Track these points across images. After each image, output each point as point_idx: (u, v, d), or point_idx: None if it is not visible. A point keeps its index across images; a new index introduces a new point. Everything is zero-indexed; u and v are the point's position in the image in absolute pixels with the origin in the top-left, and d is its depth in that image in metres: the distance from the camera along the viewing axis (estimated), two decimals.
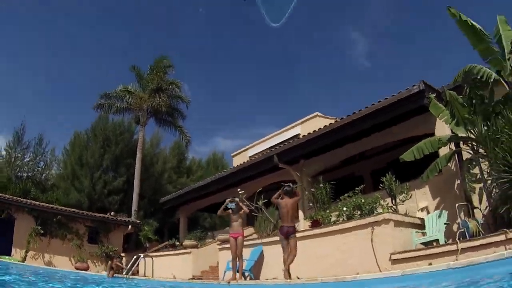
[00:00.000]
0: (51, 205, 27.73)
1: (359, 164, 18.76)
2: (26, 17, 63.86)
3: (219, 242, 17.70)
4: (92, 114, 42.53)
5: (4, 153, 39.56)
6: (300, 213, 17.61)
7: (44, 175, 40.87)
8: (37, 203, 26.96)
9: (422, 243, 11.50)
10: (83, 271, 23.24)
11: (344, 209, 12.92)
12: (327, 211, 14.28)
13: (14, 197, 26.56)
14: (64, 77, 72.83)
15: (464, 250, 9.37)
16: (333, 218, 13.54)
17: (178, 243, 23.99)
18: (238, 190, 17.69)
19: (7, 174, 36.56)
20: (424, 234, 11.74)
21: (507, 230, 8.59)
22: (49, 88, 73.51)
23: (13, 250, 24.30)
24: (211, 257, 19.32)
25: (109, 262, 19.91)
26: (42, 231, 24.96)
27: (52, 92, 73.61)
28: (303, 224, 16.74)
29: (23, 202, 25.74)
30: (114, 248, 27.01)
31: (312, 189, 15.65)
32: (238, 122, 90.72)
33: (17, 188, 32.36)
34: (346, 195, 13.86)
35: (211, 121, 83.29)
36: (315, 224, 14.00)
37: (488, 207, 11.38)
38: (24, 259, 23.89)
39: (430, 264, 9.98)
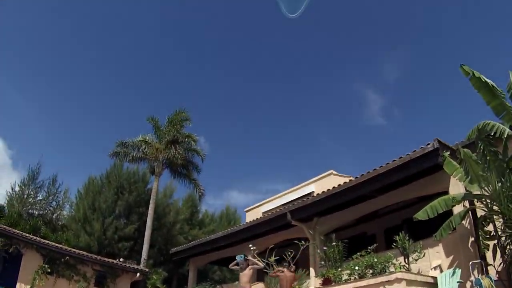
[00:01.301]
0: (60, 246, 27.62)
1: (372, 222, 18.66)
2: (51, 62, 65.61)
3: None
4: (107, 160, 43.25)
5: (17, 189, 39.75)
6: (311, 271, 17.59)
7: (55, 215, 40.88)
8: (47, 241, 26.89)
9: None
10: None
11: (356, 268, 12.86)
12: (339, 269, 14.23)
13: (24, 233, 26.54)
14: (82, 122, 74.14)
15: None
16: (345, 277, 13.50)
17: None
18: (250, 246, 17.66)
19: (18, 210, 36.55)
20: None
21: None
22: (67, 132, 74.61)
23: (17, 285, 24.13)
24: None
25: None
26: (49, 270, 24.83)
27: (69, 136, 74.73)
28: (313, 281, 16.67)
29: (33, 239, 25.62)
30: None
31: (324, 247, 15.61)
32: (252, 177, 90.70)
33: (27, 225, 32.16)
34: (358, 254, 13.78)
35: (225, 175, 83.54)
36: (326, 282, 13.96)
37: (502, 264, 11.26)
38: None
39: None
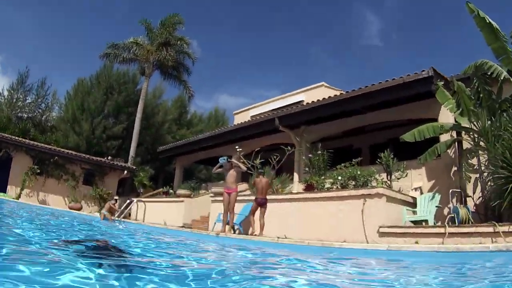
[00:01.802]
0: (49, 146, 28.12)
1: (359, 137, 18.89)
2: None
3: (212, 194, 18.07)
4: (97, 62, 42.74)
5: (6, 93, 40.05)
6: (295, 176, 18.02)
7: (44, 116, 41.38)
8: (35, 143, 27.36)
9: (411, 221, 11.76)
10: (76, 211, 23.87)
11: (339, 178, 13.18)
12: (322, 177, 14.63)
13: (13, 137, 26.95)
14: (73, 26, 72.30)
15: (451, 234, 9.62)
16: (327, 185, 13.93)
17: (172, 191, 24.44)
18: (236, 147, 18.00)
19: (7, 114, 36.99)
20: (414, 213, 11.98)
21: (496, 223, 8.83)
22: (57, 36, 72.82)
23: (8, 187, 24.88)
24: (203, 207, 19.75)
25: (106, 204, 20.24)
26: (39, 171, 25.50)
27: (59, 39, 72.96)
28: (297, 186, 17.09)
29: (22, 141, 26.14)
30: (108, 191, 27.50)
31: (310, 155, 15.95)
32: (243, 82, 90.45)
33: (17, 128, 32.86)
34: (342, 164, 14.09)
35: (216, 77, 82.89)
36: (309, 188, 14.33)
37: (481, 198, 11.62)
38: (18, 197, 24.42)
39: (416, 242, 10.23)
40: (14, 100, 39.90)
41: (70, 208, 24.67)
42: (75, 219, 15.65)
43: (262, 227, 13.20)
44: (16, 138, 26.80)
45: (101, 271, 3.93)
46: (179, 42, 34.44)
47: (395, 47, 74.71)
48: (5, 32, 63.65)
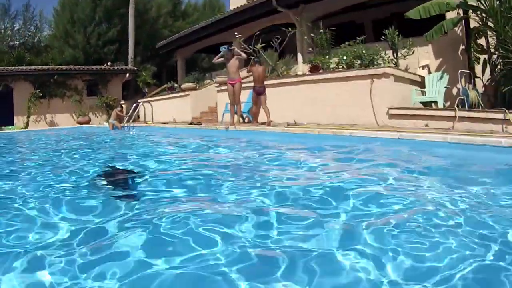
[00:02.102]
0: (46, 67, 27.55)
1: (360, 12, 18.09)
2: None
3: (217, 84, 17.84)
4: None
5: None
6: (299, 56, 17.60)
7: (36, 38, 40.55)
8: (32, 67, 26.86)
9: (420, 102, 11.53)
10: (85, 125, 23.87)
11: (344, 57, 12.79)
12: (327, 57, 14.20)
13: (7, 67, 26.49)
14: None
15: (461, 118, 9.45)
16: (333, 65, 13.52)
17: (176, 85, 24.18)
18: (235, 34, 17.42)
19: None
20: (423, 93, 11.68)
21: (506, 110, 8.59)
22: None
23: (15, 118, 24.87)
24: (210, 98, 19.65)
25: (112, 112, 19.95)
26: (41, 94, 25.28)
27: None
28: (301, 67, 16.71)
29: (17, 70, 25.69)
30: (113, 98, 27.41)
31: (312, 34, 15.40)
32: None
33: (11, 58, 32.17)
34: (346, 43, 13.63)
35: None
36: (315, 69, 13.95)
37: (490, 81, 11.20)
38: (27, 125, 24.49)
39: (426, 125, 10.13)
40: (2, 31, 39.20)
41: (79, 123, 24.81)
42: (83, 137, 15.48)
43: (267, 114, 13.02)
44: (12, 68, 26.37)
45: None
46: None
47: None
48: None
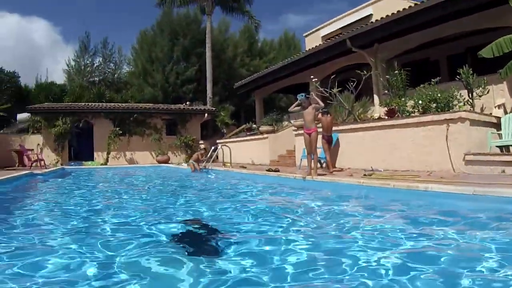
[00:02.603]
0: (126, 105, 28.64)
1: (435, 48, 17.86)
2: None
3: (295, 128, 17.97)
4: (155, 11, 42.61)
5: (73, 63, 41.09)
6: (375, 98, 17.55)
7: (116, 75, 42.32)
8: (112, 104, 28.01)
9: (497, 146, 11.23)
10: (164, 164, 24.46)
11: (420, 102, 12.65)
12: (402, 98, 14.08)
13: (88, 104, 27.71)
14: None
15: None
16: (408, 109, 13.38)
17: (255, 126, 24.50)
18: (312, 77, 17.48)
19: (79, 83, 37.82)
20: (500, 136, 11.36)
21: None
22: None
23: (95, 154, 25.79)
24: (288, 141, 19.80)
25: (194, 155, 20.28)
26: (121, 132, 26.17)
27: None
28: (378, 110, 16.64)
29: (98, 107, 26.68)
30: (192, 137, 27.98)
31: (387, 76, 15.33)
32: None
33: (92, 94, 33.60)
34: (421, 86, 13.48)
35: None
36: (391, 112, 13.81)
37: None
38: (106, 161, 25.33)
39: (503, 171, 9.83)
40: (83, 67, 40.94)
41: (158, 162, 25.44)
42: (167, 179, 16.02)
43: (330, 163, 13.72)
44: (92, 104, 27.45)
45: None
46: None
47: None
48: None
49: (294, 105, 12.99)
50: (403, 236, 4.95)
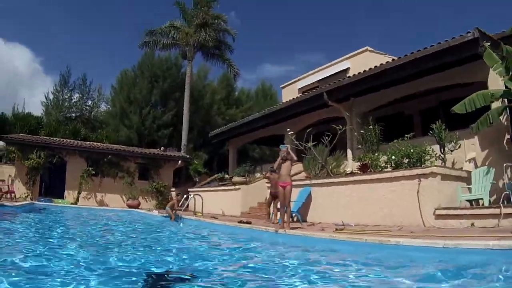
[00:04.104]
0: (101, 145, 28.45)
1: (409, 102, 18.12)
2: None
3: (267, 181, 17.83)
4: (137, 52, 43.11)
5: (51, 96, 41.03)
6: (349, 153, 17.66)
7: (92, 113, 42.33)
8: (87, 143, 27.80)
9: (467, 200, 11.37)
10: (134, 209, 24.05)
11: (393, 157, 12.74)
12: (376, 153, 14.13)
13: (64, 140, 27.48)
14: (106, 17, 73.05)
15: (507, 215, 9.32)
16: (382, 164, 13.43)
17: (227, 176, 24.33)
18: (288, 130, 17.59)
19: (56, 118, 37.78)
20: (470, 190, 11.51)
21: None
22: (92, 30, 74.54)
23: (65, 192, 25.36)
24: (260, 193, 19.63)
25: (173, 200, 19.70)
26: (94, 172, 25.87)
27: (95, 33, 74.51)
28: (351, 164, 16.67)
29: (74, 144, 26.52)
30: (164, 184, 27.78)
31: (362, 131, 15.43)
32: (285, 48, 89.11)
33: (67, 130, 33.32)
34: (395, 141, 13.59)
35: (258, 47, 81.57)
36: (364, 167, 13.93)
37: None
38: (77, 200, 24.91)
39: (472, 224, 9.98)
40: (60, 102, 40.91)
41: (129, 206, 25.07)
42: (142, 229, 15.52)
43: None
44: (68, 141, 27.33)
45: None
46: (216, 20, 33.86)
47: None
48: (42, 31, 65.19)
49: (278, 160, 12.67)
50: None
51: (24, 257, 6.21)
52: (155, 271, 6.26)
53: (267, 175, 15.86)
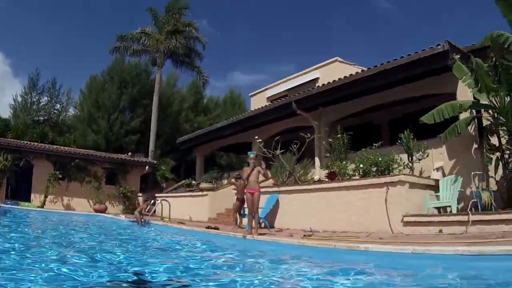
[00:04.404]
0: (69, 149, 28.16)
1: (378, 113, 18.35)
2: None
3: (234, 187, 17.85)
4: (107, 57, 42.95)
5: (20, 99, 40.64)
6: (317, 161, 17.80)
7: (60, 117, 41.99)
8: (55, 146, 27.62)
9: (435, 207, 11.58)
10: (101, 213, 23.77)
11: (361, 165, 12.90)
12: (343, 162, 14.28)
13: (32, 143, 27.10)
14: (78, 20, 72.37)
15: (474, 222, 9.50)
16: (350, 172, 13.58)
17: (194, 182, 24.26)
18: (256, 138, 17.64)
19: (23, 120, 37.42)
20: (438, 197, 11.74)
21: None
22: (64, 32, 73.58)
23: (32, 195, 24.96)
24: (227, 200, 19.58)
25: (143, 205, 19.55)
26: (61, 176, 25.56)
27: (67, 36, 73.67)
28: (318, 172, 16.82)
29: (41, 147, 26.23)
30: (131, 189, 27.67)
31: (330, 139, 15.57)
32: (255, 57, 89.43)
33: (35, 133, 32.93)
34: (363, 149, 13.76)
35: (228, 56, 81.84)
36: (332, 175, 14.01)
37: (502, 179, 11.26)
38: (43, 204, 24.56)
39: (440, 231, 10.15)
40: (29, 105, 40.48)
41: (95, 210, 24.79)
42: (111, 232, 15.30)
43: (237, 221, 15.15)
44: (35, 144, 26.95)
45: None
46: (187, 28, 33.92)
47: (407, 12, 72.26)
48: (13, 33, 64.24)
49: (248, 170, 12.60)
50: None
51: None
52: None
53: (232, 181, 15.88)
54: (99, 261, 7.61)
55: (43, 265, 6.53)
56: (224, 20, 75.92)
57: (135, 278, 6.20)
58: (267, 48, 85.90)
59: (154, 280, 5.94)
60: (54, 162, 25.79)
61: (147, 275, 6.43)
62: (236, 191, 16.81)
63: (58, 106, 42.33)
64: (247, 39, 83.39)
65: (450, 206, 11.23)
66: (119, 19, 69.35)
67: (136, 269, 7.10)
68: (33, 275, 5.52)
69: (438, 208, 11.62)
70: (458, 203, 11.23)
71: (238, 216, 16.23)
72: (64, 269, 6.17)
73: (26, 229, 14.31)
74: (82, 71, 78.31)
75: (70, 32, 73.35)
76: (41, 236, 12.07)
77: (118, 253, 8.76)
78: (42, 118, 40.75)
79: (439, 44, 12.34)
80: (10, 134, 32.08)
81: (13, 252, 7.88)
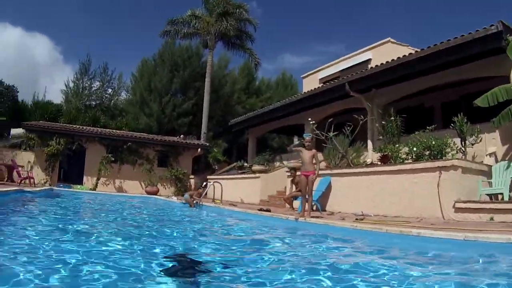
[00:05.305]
0: (121, 132, 28.67)
1: (430, 95, 18.03)
2: None
3: (287, 169, 17.93)
4: (158, 41, 43.20)
5: (72, 85, 41.29)
6: (369, 144, 17.64)
7: (112, 101, 42.68)
8: (107, 130, 27.94)
9: (487, 194, 11.31)
10: (153, 195, 24.23)
11: (414, 149, 12.72)
12: (396, 145, 14.12)
13: (84, 127, 27.69)
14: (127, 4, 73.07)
15: None
16: (402, 156, 13.42)
17: (246, 164, 24.40)
18: (309, 119, 17.50)
19: (76, 105, 38.13)
20: (490, 184, 11.43)
21: None
22: (113, 18, 74.50)
23: (84, 178, 25.57)
24: (279, 182, 19.65)
25: (196, 191, 19.85)
26: (113, 158, 26.08)
27: (116, 22, 74.66)
28: (371, 155, 16.68)
29: (94, 131, 26.71)
30: (183, 171, 27.87)
31: (383, 122, 15.40)
32: (306, 38, 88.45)
33: (87, 117, 33.67)
34: (416, 132, 13.57)
35: (278, 37, 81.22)
36: (385, 158, 13.84)
37: None
38: (95, 187, 25.13)
39: (491, 218, 9.89)
40: (81, 90, 41.17)
41: (147, 192, 25.18)
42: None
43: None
44: (88, 128, 27.49)
45: None
46: (237, 10, 33.65)
47: None
48: (62, 20, 65.61)
49: (295, 144, 12.82)
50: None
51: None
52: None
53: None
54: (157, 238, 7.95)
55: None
56: (273, 1, 74.85)
57: (190, 258, 6.34)
58: (316, 29, 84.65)
59: (207, 259, 6.04)
60: (106, 145, 26.24)
61: (201, 254, 6.54)
62: (289, 174, 16.96)
63: (109, 90, 43.11)
64: (296, 19, 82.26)
65: (502, 194, 10.91)
66: (168, 1, 69.42)
67: (193, 246, 7.34)
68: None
69: (489, 195, 11.33)
70: (511, 191, 10.95)
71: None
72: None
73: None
74: (130, 56, 79.04)
75: (118, 19, 74.23)
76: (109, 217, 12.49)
77: (174, 234, 9.01)
78: (94, 103, 41.46)
79: (492, 25, 11.97)
80: (63, 119, 32.92)
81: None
